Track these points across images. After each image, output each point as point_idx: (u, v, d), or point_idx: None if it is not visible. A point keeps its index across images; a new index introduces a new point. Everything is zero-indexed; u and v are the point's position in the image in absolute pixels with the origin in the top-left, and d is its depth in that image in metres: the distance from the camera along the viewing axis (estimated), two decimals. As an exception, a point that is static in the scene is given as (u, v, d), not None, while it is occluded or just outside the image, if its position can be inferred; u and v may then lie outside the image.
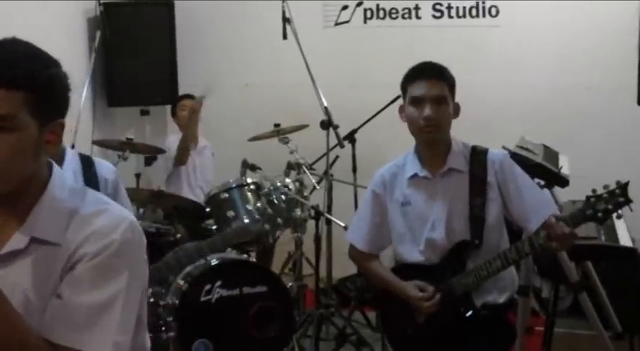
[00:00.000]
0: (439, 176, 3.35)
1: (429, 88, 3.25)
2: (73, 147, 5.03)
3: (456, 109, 3.35)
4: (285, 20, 5.66)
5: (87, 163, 3.53)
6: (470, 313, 3.27)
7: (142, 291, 1.86)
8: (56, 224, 1.78)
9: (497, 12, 7.06)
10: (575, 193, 4.65)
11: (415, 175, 3.39)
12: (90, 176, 3.48)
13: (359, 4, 7.29)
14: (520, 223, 3.36)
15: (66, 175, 3.37)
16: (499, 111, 6.94)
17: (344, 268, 5.90)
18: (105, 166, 3.60)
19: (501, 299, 3.35)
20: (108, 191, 3.50)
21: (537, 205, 3.28)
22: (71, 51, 6.47)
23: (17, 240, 1.77)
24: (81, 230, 1.77)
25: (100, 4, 6.76)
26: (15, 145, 1.69)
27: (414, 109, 3.28)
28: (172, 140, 6.50)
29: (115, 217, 1.81)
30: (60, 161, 3.49)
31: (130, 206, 3.89)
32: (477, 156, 3.35)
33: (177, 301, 4.33)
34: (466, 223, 3.30)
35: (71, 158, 3.49)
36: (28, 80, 1.69)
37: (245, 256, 4.89)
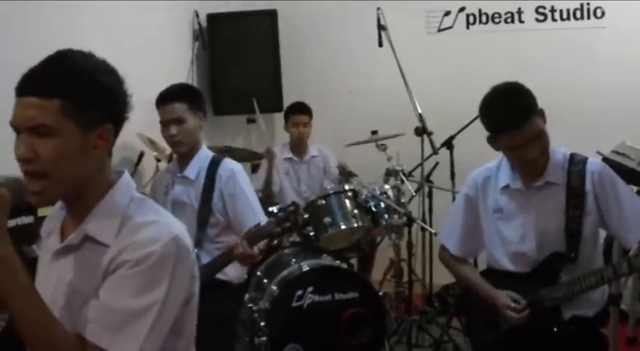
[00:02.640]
0: (534, 189, 3.24)
1: (521, 136, 3.08)
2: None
3: (544, 116, 3.15)
4: (380, 27, 5.68)
5: (215, 162, 4.02)
6: (557, 329, 3.20)
7: (181, 303, 1.92)
8: (109, 226, 1.89)
9: (603, 13, 6.91)
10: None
11: (507, 186, 3.32)
12: (212, 173, 3.97)
13: (461, 10, 7.27)
14: (618, 236, 3.27)
15: (191, 169, 3.90)
16: (605, 114, 6.77)
17: (447, 274, 5.86)
18: (224, 166, 4.03)
19: (591, 312, 3.24)
20: (221, 186, 3.96)
21: (638, 220, 3.16)
22: (176, 61, 6.69)
23: (74, 236, 1.91)
24: (128, 236, 1.85)
25: (197, 16, 6.99)
26: (55, 149, 1.80)
27: (512, 153, 3.20)
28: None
29: (160, 231, 1.87)
30: (190, 158, 4.01)
31: (249, 198, 4.04)
32: (575, 166, 3.21)
33: (269, 306, 4.40)
34: (561, 235, 3.20)
35: (203, 157, 4.03)
36: (61, 88, 1.81)
37: (338, 262, 4.92)
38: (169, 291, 1.84)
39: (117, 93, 1.92)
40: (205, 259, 3.89)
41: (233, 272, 3.99)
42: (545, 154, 3.16)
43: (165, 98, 3.96)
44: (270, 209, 3.71)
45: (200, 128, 4.00)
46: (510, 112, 3.09)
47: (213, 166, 4.00)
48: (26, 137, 1.81)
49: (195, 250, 3.81)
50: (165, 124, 3.96)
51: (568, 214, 3.18)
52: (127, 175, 2.01)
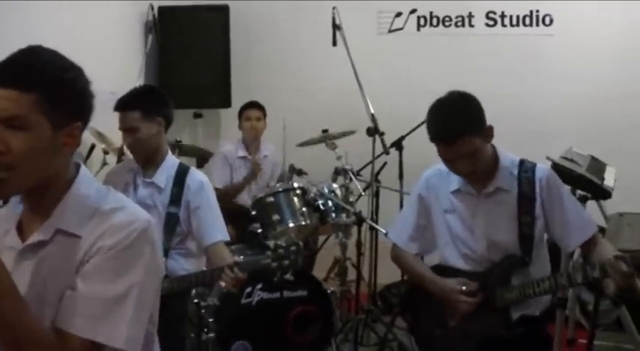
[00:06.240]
0: (485, 195, 3.30)
1: (451, 152, 3.18)
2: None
3: (489, 134, 3.23)
4: (335, 27, 5.69)
5: (182, 171, 3.96)
6: (505, 331, 3.25)
7: (155, 289, 1.91)
8: (80, 217, 1.86)
9: (552, 21, 7.05)
10: (628, 204, 4.61)
11: (458, 190, 3.37)
12: (179, 183, 3.91)
13: (412, 12, 7.33)
14: (560, 241, 3.34)
15: (159, 177, 3.83)
16: (552, 120, 6.89)
17: (390, 274, 5.91)
18: (193, 177, 3.96)
19: (537, 311, 3.32)
20: (188, 197, 3.89)
21: (579, 226, 3.26)
22: (127, 54, 6.62)
23: (43, 232, 1.86)
24: (100, 225, 1.84)
25: (152, 9, 6.93)
26: (27, 143, 1.77)
27: (445, 163, 3.27)
28: (227, 148, 6.53)
29: (132, 214, 1.88)
30: (157, 164, 3.95)
31: (215, 212, 4.01)
32: (525, 173, 3.29)
33: (217, 303, 4.38)
34: (514, 240, 3.26)
35: (170, 164, 3.96)
36: (40, 83, 1.78)
37: (287, 259, 4.90)
38: (146, 272, 1.84)
39: (87, 93, 1.91)
40: (172, 267, 3.89)
41: None
42: (477, 170, 3.21)
43: (119, 106, 3.92)
44: (269, 243, 3.68)
45: (158, 133, 3.94)
46: (445, 128, 3.17)
47: (181, 175, 3.95)
48: None
49: (163, 260, 3.78)
50: (122, 131, 3.95)
51: (520, 219, 3.26)
52: (84, 167, 1.98)
